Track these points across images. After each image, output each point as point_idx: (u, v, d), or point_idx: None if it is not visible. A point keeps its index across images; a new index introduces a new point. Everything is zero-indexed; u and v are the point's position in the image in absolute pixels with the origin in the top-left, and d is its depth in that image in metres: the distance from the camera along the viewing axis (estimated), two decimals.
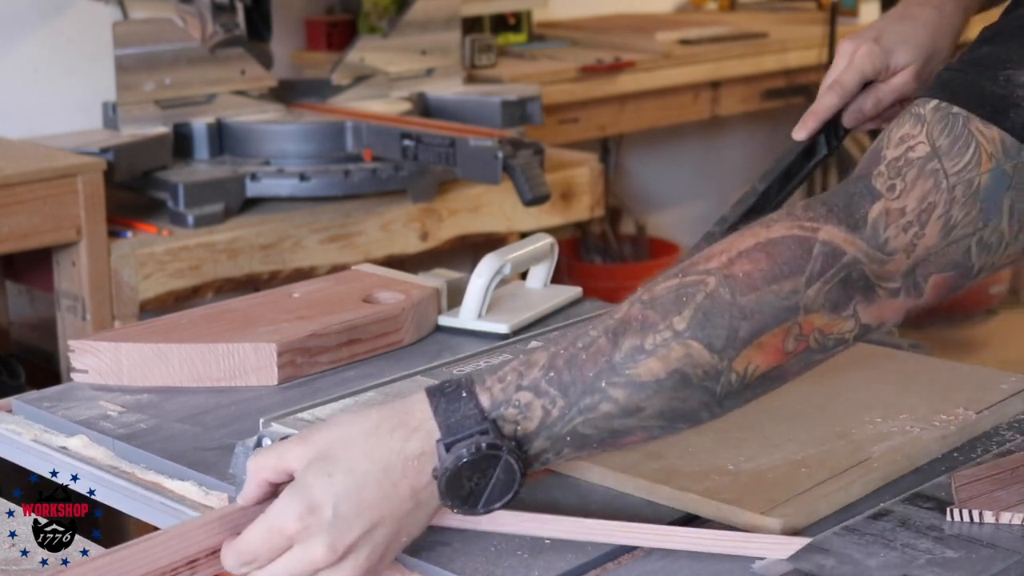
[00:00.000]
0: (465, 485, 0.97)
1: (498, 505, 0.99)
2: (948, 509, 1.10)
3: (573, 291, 1.64)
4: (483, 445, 0.96)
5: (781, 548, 1.03)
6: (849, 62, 1.42)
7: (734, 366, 0.98)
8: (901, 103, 1.43)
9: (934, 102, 1.02)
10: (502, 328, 1.50)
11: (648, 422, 0.99)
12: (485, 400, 0.98)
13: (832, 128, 1.44)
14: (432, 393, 0.98)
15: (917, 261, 1.00)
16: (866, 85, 1.43)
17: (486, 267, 1.51)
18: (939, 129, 1.01)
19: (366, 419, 0.99)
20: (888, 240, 0.99)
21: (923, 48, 1.42)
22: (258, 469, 1.00)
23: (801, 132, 1.42)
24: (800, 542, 1.04)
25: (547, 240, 1.61)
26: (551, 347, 1.00)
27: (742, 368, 0.98)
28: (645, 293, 1.00)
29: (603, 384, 0.97)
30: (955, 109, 1.01)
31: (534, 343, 1.26)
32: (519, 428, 0.98)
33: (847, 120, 1.44)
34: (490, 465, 0.97)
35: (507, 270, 1.53)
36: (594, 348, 0.98)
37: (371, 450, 0.97)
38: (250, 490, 1.01)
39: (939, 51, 1.42)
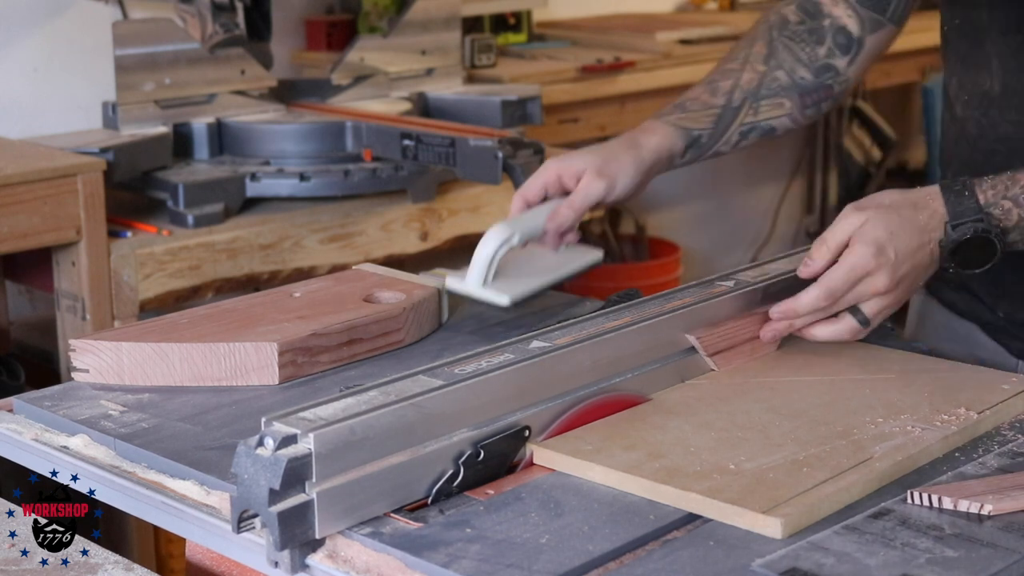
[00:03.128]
0: (959, 253, 1.37)
1: (976, 269, 1.38)
2: (908, 492, 1.12)
3: (593, 254, 1.60)
4: (979, 228, 1.36)
5: None
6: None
7: None
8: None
9: None
10: (503, 300, 1.50)
11: None
12: (981, 199, 1.37)
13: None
14: (943, 188, 1.38)
15: None
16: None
17: (493, 237, 1.49)
18: None
19: (895, 197, 1.39)
20: None
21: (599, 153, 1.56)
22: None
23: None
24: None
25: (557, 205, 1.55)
26: None
27: None
28: None
29: None
30: None
31: (536, 341, 1.27)
32: (999, 224, 1.37)
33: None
34: (982, 243, 1.36)
35: (516, 240, 1.51)
36: None
37: (908, 219, 1.37)
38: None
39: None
